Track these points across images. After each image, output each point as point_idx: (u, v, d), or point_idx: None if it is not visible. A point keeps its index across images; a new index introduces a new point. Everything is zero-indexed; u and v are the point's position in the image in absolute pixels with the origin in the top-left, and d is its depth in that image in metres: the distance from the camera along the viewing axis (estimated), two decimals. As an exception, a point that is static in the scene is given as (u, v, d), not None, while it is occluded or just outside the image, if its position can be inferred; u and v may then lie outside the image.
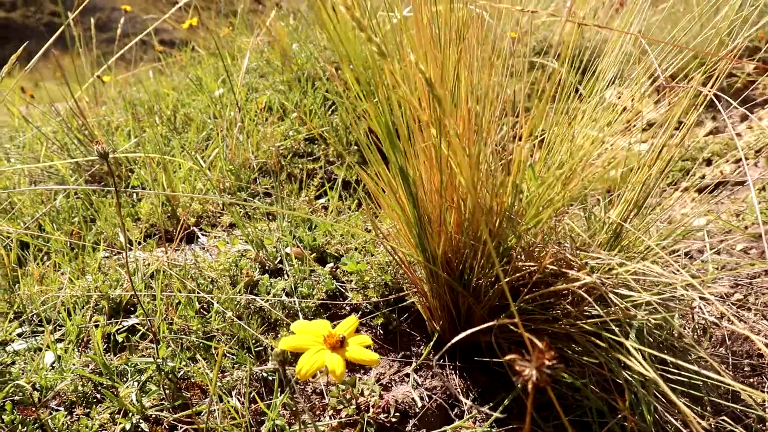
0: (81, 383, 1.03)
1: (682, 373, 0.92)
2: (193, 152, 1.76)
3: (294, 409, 1.03)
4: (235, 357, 1.10)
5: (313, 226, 1.46)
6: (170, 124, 1.98)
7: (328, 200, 1.60)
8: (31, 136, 1.94)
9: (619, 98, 2.83)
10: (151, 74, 2.65)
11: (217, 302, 1.17)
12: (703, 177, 2.08)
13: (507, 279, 0.97)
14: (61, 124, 1.83)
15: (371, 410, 1.04)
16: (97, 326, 1.15)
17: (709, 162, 2.17)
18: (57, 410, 1.00)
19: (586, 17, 2.91)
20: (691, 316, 1.32)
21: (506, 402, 1.05)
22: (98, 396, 1.03)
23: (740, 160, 2.19)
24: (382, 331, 1.24)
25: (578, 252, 0.99)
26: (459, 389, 1.14)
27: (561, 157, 1.19)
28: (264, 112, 1.96)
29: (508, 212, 0.99)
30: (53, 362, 1.11)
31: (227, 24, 2.74)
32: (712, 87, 1.12)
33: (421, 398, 1.10)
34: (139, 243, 1.45)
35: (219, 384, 1.05)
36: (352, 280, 1.29)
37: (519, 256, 1.01)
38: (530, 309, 1.01)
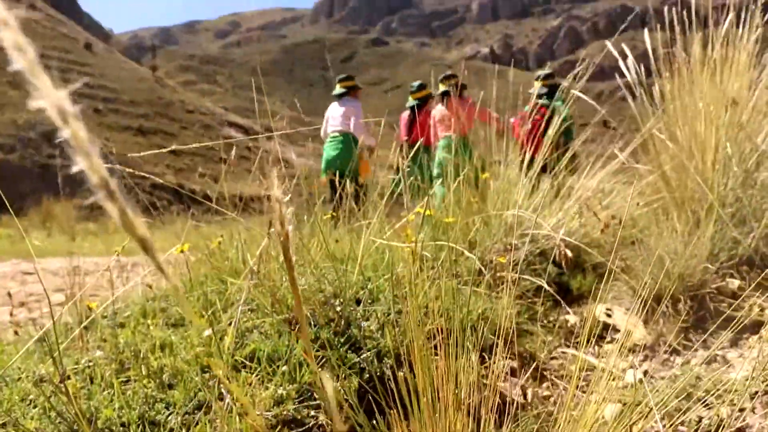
0: None
1: None
2: (180, 424, 1.70)
3: None
4: None
5: None
6: (156, 378, 1.93)
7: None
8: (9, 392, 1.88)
9: (609, 316, 2.80)
10: (139, 291, 2.64)
11: None
12: (700, 420, 2.04)
13: None
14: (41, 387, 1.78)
15: None
16: None
17: (705, 401, 2.13)
18: None
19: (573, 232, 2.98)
20: None
21: None
22: None
23: (737, 401, 2.16)
24: None
25: None
26: None
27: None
28: (252, 363, 1.92)
29: None
30: None
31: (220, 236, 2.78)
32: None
33: None
34: None
35: None
36: None
37: None
38: None
